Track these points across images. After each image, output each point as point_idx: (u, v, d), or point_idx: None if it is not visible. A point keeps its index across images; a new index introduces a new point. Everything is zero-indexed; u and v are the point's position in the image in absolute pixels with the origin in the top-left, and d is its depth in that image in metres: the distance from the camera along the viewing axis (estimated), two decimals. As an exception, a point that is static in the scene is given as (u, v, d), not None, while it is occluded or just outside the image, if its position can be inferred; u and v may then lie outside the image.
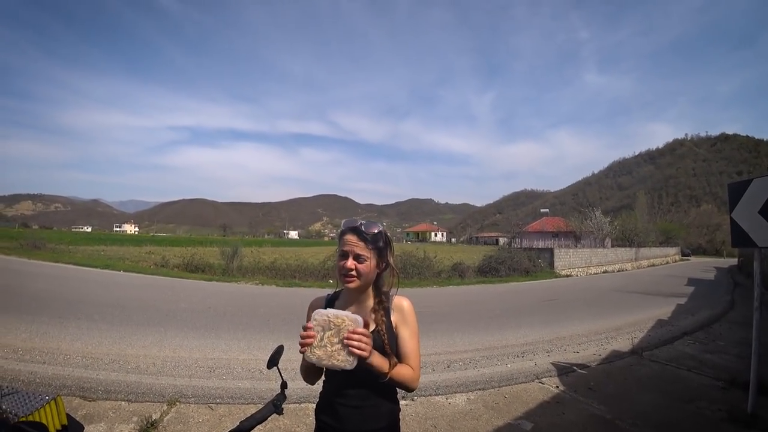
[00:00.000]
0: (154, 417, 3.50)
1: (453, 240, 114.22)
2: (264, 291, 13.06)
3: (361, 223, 1.48)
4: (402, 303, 1.55)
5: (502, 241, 74.41)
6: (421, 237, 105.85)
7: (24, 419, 1.82)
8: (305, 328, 1.31)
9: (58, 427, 2.02)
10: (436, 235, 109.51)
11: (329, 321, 1.29)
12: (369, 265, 1.45)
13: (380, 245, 1.49)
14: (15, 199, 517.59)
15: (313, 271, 16.75)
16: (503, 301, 12.57)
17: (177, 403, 3.86)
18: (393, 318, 1.52)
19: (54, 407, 2.03)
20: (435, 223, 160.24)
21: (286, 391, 1.43)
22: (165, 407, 3.76)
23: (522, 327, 8.05)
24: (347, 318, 1.29)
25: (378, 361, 1.34)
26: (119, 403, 3.82)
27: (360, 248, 1.44)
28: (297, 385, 3.87)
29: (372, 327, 1.48)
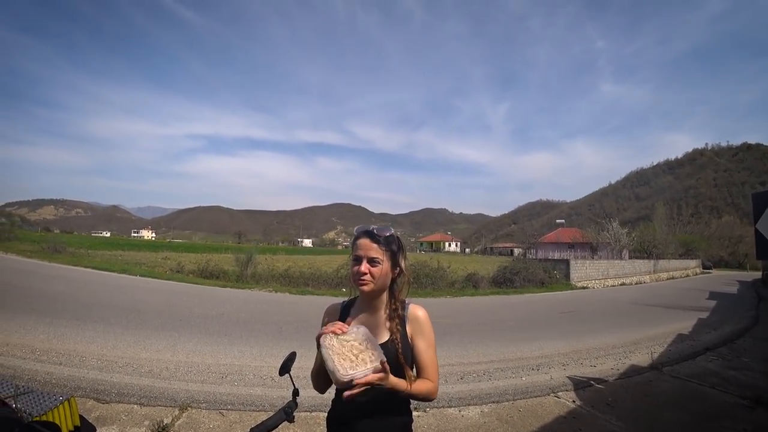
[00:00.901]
0: (165, 421, 3.51)
1: (467, 250, 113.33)
2: (277, 298, 13.09)
3: (373, 228, 1.48)
4: (417, 312, 1.52)
5: (516, 251, 73.65)
6: (435, 247, 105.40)
7: (38, 419, 1.84)
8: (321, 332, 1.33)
9: (71, 428, 2.03)
10: (449, 245, 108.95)
11: (360, 342, 1.29)
12: (383, 268, 1.44)
13: (393, 248, 1.48)
14: (38, 203, 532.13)
15: (327, 279, 16.75)
16: (518, 312, 12.37)
17: (189, 408, 3.86)
18: (408, 328, 1.49)
19: (67, 408, 2.05)
20: (449, 233, 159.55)
21: (298, 399, 1.41)
22: (177, 412, 3.76)
23: (537, 339, 7.89)
24: (372, 353, 1.27)
25: (394, 382, 1.30)
26: (132, 407, 3.84)
27: (374, 251, 1.43)
28: (308, 393, 3.84)
29: (386, 336, 1.46)
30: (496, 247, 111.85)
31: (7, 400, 1.81)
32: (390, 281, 1.50)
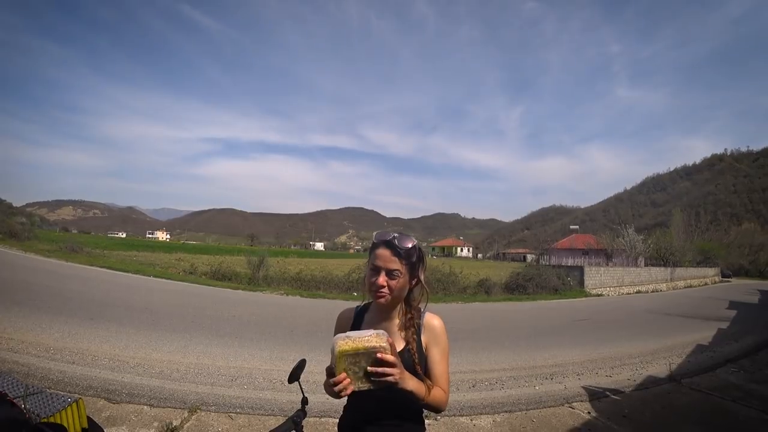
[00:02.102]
0: (174, 423, 3.50)
1: (479, 255, 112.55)
2: (288, 301, 13.12)
3: (394, 237, 1.39)
4: (433, 321, 1.48)
5: (529, 257, 72.89)
6: (447, 252, 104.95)
7: (45, 420, 1.82)
8: (335, 381, 1.16)
9: (78, 430, 2.01)
10: (462, 250, 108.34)
11: (354, 356, 1.14)
12: (401, 280, 1.38)
13: (413, 260, 1.41)
14: (57, 204, 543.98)
15: (338, 283, 16.75)
16: (531, 319, 12.20)
17: (198, 411, 3.85)
18: (423, 337, 1.45)
19: (75, 410, 2.02)
20: (461, 238, 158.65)
21: (307, 408, 1.38)
22: (186, 414, 3.75)
23: (551, 347, 7.74)
24: (371, 339, 1.14)
25: (414, 385, 1.24)
26: (142, 407, 3.85)
27: (393, 263, 1.36)
28: (319, 398, 3.81)
29: (402, 345, 1.42)
30: (509, 252, 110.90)
31: (16, 401, 1.79)
32: (407, 291, 1.45)
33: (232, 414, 3.86)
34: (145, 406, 3.88)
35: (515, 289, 18.99)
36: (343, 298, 14.23)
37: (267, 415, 3.88)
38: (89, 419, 2.12)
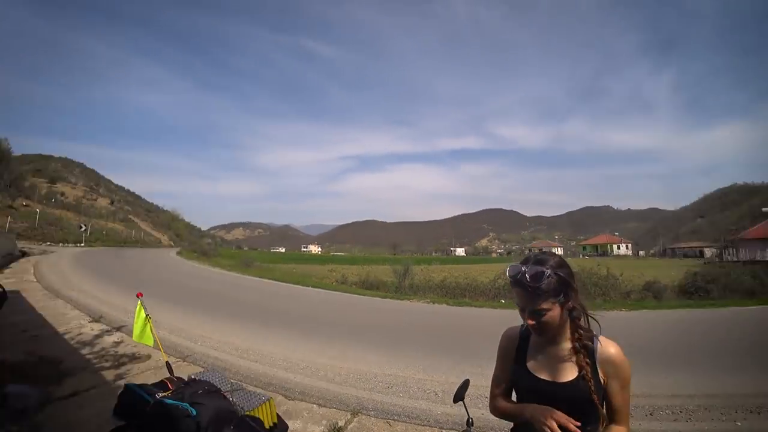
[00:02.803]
0: (339, 424, 3.83)
1: (640, 253, 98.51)
2: (435, 309, 13.21)
3: (524, 272, 1.27)
4: (610, 350, 1.33)
5: (708, 252, 61.25)
6: (601, 250, 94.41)
7: (249, 413, 2.21)
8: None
9: (270, 425, 2.36)
10: (618, 247, 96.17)
11: None
12: (550, 314, 1.27)
13: (552, 289, 1.27)
14: (231, 226, 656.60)
15: (484, 290, 16.15)
16: (720, 331, 10.15)
17: (359, 414, 4.13)
18: (599, 365, 1.31)
19: (268, 407, 2.39)
20: (616, 233, 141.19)
21: (472, 429, 1.37)
22: (349, 416, 4.07)
23: (753, 368, 6.23)
24: None
25: None
26: (312, 406, 4.31)
27: (533, 303, 1.27)
28: (479, 412, 3.73)
29: (575, 372, 1.30)
30: (679, 247, 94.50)
31: (226, 394, 2.22)
32: (568, 313, 1.34)
33: (390, 420, 4.04)
34: (314, 405, 4.34)
35: (693, 292, 15.92)
36: (490, 306, 13.78)
37: (423, 425, 3.95)
38: (278, 416, 2.47)
